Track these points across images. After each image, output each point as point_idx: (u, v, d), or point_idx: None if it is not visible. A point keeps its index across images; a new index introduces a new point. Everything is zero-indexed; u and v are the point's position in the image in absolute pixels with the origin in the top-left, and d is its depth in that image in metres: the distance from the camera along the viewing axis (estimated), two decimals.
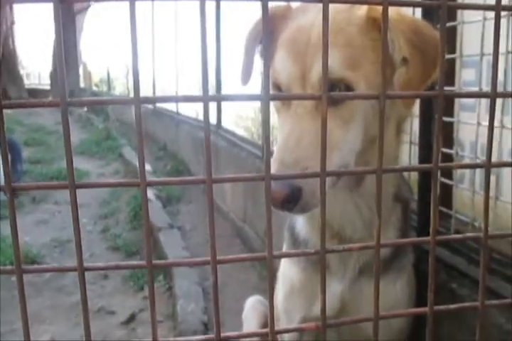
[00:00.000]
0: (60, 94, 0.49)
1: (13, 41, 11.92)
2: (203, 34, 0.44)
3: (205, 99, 0.48)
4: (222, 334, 0.53)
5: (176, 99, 0.51)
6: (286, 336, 1.25)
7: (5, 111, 0.51)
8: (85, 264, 0.51)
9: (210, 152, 0.49)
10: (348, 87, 0.88)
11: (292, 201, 0.79)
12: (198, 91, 6.57)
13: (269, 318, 0.55)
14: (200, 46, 0.46)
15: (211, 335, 0.53)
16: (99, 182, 0.50)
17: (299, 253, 0.54)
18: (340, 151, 0.89)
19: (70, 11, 11.66)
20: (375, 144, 0.94)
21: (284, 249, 1.21)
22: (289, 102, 0.90)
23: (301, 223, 1.17)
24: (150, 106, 6.57)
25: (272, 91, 1.01)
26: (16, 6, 11.15)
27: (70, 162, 0.49)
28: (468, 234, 0.62)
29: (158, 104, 6.47)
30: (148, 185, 0.52)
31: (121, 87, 10.40)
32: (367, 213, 1.06)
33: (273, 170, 0.79)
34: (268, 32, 1.05)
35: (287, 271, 1.20)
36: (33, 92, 12.98)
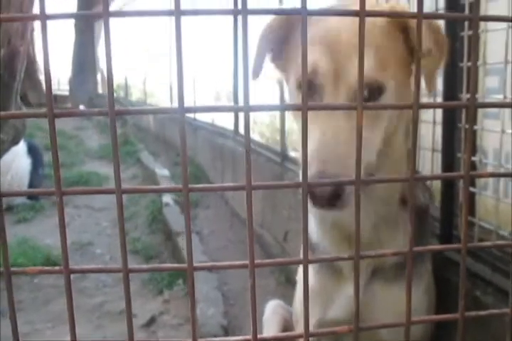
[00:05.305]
0: (109, 103, 0.52)
1: (33, 48, 12.14)
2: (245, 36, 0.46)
3: (246, 108, 0.51)
4: (258, 336, 0.55)
5: (218, 109, 0.53)
6: None
7: None
8: (130, 266, 0.53)
9: (250, 160, 0.51)
10: (380, 87, 0.92)
11: (336, 197, 0.81)
12: (213, 101, 6.49)
13: (303, 320, 0.57)
14: (242, 52, 0.48)
15: (248, 336, 0.55)
16: (144, 187, 0.53)
17: (334, 258, 0.56)
18: (367, 151, 0.88)
19: (88, 18, 11.86)
20: (386, 147, 0.96)
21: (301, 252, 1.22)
22: (321, 99, 0.93)
23: (312, 227, 1.15)
24: None
25: (295, 89, 1.01)
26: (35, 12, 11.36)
27: (117, 168, 0.51)
28: (498, 242, 0.63)
29: None
30: (190, 191, 0.55)
31: (138, 93, 10.53)
32: (373, 217, 1.06)
33: (314, 167, 0.81)
34: (283, 35, 1.06)
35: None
36: (53, 98, 13.13)
